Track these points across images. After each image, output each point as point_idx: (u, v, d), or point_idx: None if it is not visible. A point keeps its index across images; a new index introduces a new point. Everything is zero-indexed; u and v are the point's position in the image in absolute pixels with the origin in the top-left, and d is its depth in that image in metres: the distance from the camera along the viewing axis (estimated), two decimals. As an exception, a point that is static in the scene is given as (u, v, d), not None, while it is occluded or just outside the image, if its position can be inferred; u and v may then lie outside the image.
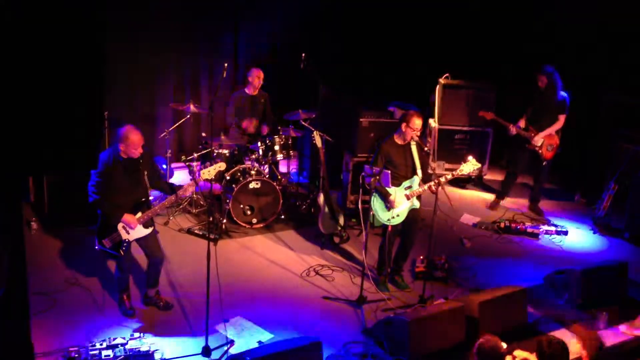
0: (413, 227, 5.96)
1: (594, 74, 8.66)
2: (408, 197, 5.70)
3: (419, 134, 5.65)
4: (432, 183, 5.60)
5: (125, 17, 7.92)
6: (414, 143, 5.73)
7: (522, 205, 8.30)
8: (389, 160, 5.72)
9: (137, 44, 8.19)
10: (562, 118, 7.48)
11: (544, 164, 7.67)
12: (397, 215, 5.73)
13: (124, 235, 5.11)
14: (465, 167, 5.68)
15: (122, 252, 5.13)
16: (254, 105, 7.75)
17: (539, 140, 7.49)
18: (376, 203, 5.73)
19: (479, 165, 5.72)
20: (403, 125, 5.67)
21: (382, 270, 6.11)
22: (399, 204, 5.69)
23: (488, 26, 9.77)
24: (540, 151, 7.54)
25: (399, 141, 5.74)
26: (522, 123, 7.65)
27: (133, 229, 5.09)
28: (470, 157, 5.69)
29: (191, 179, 5.21)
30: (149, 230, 5.22)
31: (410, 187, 5.72)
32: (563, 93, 7.43)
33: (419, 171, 5.73)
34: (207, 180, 5.18)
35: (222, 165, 5.31)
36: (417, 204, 5.77)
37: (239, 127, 7.67)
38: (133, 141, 4.95)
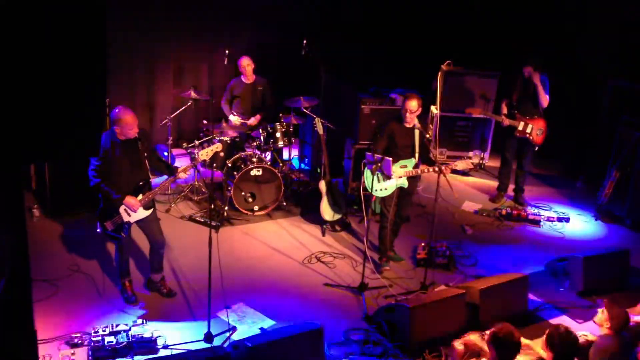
0: (403, 203, 6.17)
1: (598, 60, 8.61)
2: (400, 175, 5.88)
3: (414, 116, 5.83)
4: (433, 167, 5.78)
5: (125, 3, 7.88)
6: (417, 130, 5.89)
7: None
8: (391, 138, 5.90)
9: (138, 30, 8.16)
10: (546, 97, 7.47)
11: (535, 149, 7.65)
12: (385, 189, 5.93)
13: (126, 218, 5.13)
14: (460, 164, 5.87)
15: (123, 235, 5.15)
16: (252, 92, 7.74)
17: (538, 130, 7.48)
18: (369, 175, 5.92)
19: (472, 166, 5.85)
20: (403, 110, 5.86)
21: (382, 254, 6.23)
22: (393, 180, 5.89)
23: (491, 11, 9.70)
24: (530, 137, 7.52)
25: (404, 124, 5.90)
26: (503, 111, 7.68)
27: (135, 212, 5.11)
28: (467, 155, 5.80)
29: (191, 161, 5.24)
30: (150, 211, 5.23)
31: (405, 166, 5.91)
32: (542, 77, 7.42)
33: (417, 155, 5.94)
34: (204, 160, 5.21)
35: (218, 146, 5.37)
36: (405, 184, 5.96)
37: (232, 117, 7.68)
38: (127, 121, 4.93)
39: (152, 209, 5.28)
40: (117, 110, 4.97)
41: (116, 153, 5.02)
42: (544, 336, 4.00)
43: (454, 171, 5.68)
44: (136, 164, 5.11)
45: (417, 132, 5.90)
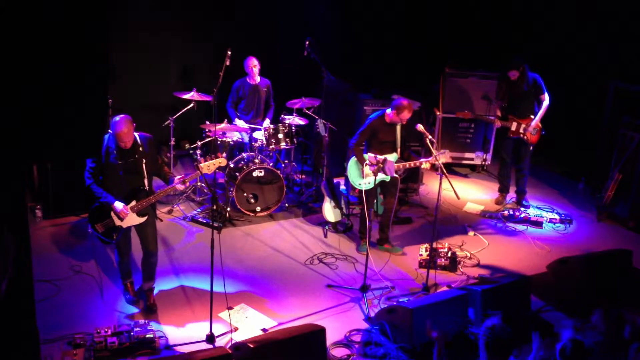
0: (388, 196, 6.35)
1: (601, 61, 8.60)
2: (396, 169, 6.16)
3: (404, 123, 6.10)
4: (421, 162, 6.06)
5: (127, 3, 7.89)
6: (399, 125, 6.15)
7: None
8: (374, 135, 6.12)
9: (140, 30, 8.17)
10: (544, 97, 7.45)
11: (530, 148, 7.65)
12: (368, 183, 6.11)
13: (117, 222, 5.04)
14: (441, 157, 5.94)
15: (114, 238, 5.08)
16: (257, 93, 7.74)
17: (533, 127, 7.48)
18: (352, 168, 6.21)
19: (450, 159, 6.30)
20: (393, 113, 6.04)
21: (363, 234, 6.39)
22: (380, 175, 6.08)
23: (493, 12, 9.70)
24: (524, 137, 7.53)
25: (387, 119, 6.11)
26: (497, 112, 7.72)
27: (123, 218, 5.03)
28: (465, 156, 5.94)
29: (195, 171, 5.17)
30: (144, 219, 5.13)
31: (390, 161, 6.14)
32: (532, 75, 7.42)
33: (399, 150, 6.18)
34: (206, 173, 5.13)
35: (222, 161, 5.24)
36: (387, 178, 6.19)
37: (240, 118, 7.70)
38: (119, 135, 4.84)
39: (147, 216, 5.16)
40: (116, 119, 4.88)
41: (111, 157, 4.95)
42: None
43: (445, 170, 5.70)
44: (132, 170, 5.02)
45: (398, 127, 6.11)
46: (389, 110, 6.10)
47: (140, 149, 5.03)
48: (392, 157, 6.15)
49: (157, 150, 5.32)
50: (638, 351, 4.10)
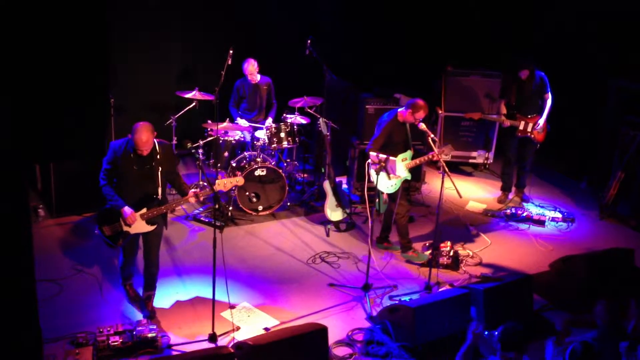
0: (397, 198, 6.26)
1: (603, 60, 8.58)
2: (407, 166, 6.15)
3: (417, 124, 6.01)
4: (428, 156, 6.07)
5: (128, 2, 7.89)
6: (408, 123, 6.15)
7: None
8: (390, 137, 6.05)
9: (141, 30, 8.16)
10: (548, 96, 7.50)
11: (537, 147, 7.66)
12: (395, 184, 6.10)
13: (125, 227, 4.97)
14: (446, 150, 6.12)
15: (120, 243, 5.02)
16: (258, 92, 7.74)
17: (542, 127, 7.50)
18: (376, 174, 6.07)
19: (453, 150, 6.38)
20: (408, 112, 5.94)
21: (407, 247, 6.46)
22: (399, 174, 6.08)
23: (494, 11, 9.69)
24: (532, 135, 7.54)
25: (400, 119, 6.07)
26: (503, 111, 7.73)
27: (131, 224, 4.96)
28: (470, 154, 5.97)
29: (207, 187, 5.11)
30: (152, 227, 5.05)
31: (405, 159, 6.14)
32: (539, 73, 7.46)
33: (411, 146, 6.22)
34: (220, 190, 5.10)
35: (239, 180, 5.20)
36: (409, 176, 6.21)
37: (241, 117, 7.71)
38: (136, 141, 4.76)
39: (155, 225, 5.07)
40: (137, 126, 4.79)
41: (127, 162, 4.86)
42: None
43: (447, 169, 5.70)
44: (147, 177, 4.93)
45: (407, 124, 6.11)
46: (401, 109, 6.03)
47: (158, 156, 4.94)
48: (407, 154, 6.12)
49: (175, 158, 5.22)
50: (629, 350, 4.10)
